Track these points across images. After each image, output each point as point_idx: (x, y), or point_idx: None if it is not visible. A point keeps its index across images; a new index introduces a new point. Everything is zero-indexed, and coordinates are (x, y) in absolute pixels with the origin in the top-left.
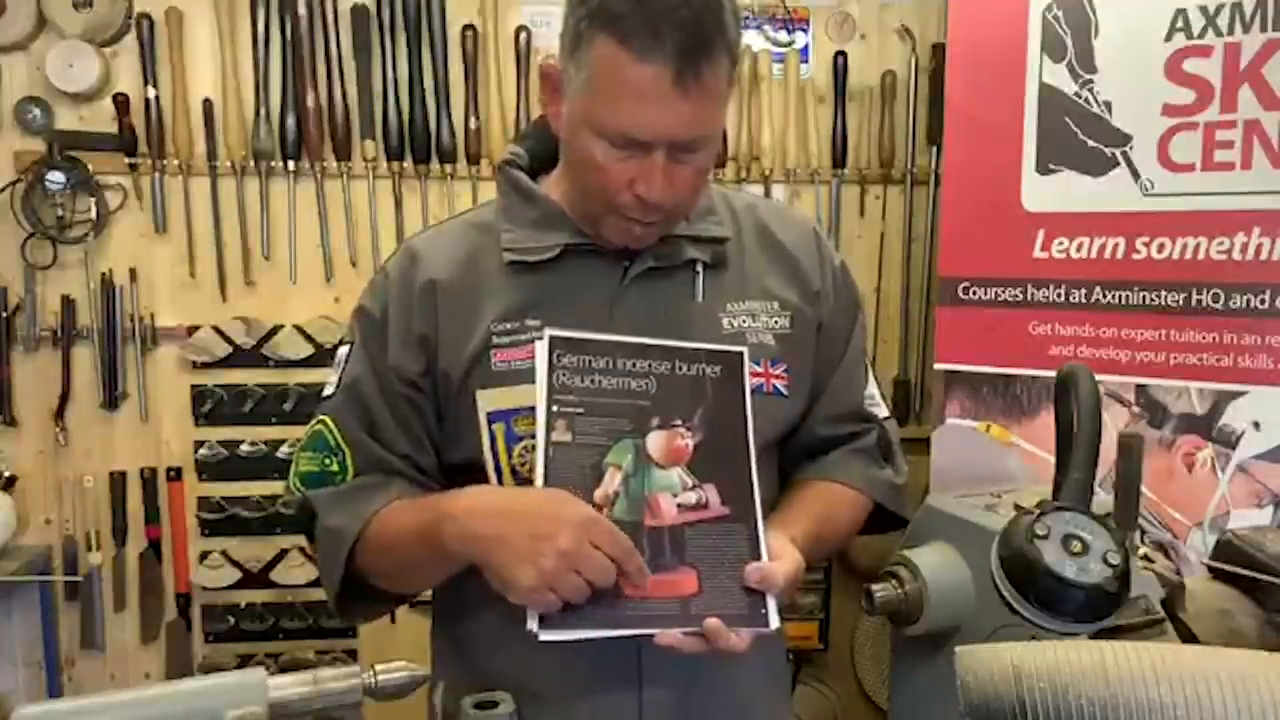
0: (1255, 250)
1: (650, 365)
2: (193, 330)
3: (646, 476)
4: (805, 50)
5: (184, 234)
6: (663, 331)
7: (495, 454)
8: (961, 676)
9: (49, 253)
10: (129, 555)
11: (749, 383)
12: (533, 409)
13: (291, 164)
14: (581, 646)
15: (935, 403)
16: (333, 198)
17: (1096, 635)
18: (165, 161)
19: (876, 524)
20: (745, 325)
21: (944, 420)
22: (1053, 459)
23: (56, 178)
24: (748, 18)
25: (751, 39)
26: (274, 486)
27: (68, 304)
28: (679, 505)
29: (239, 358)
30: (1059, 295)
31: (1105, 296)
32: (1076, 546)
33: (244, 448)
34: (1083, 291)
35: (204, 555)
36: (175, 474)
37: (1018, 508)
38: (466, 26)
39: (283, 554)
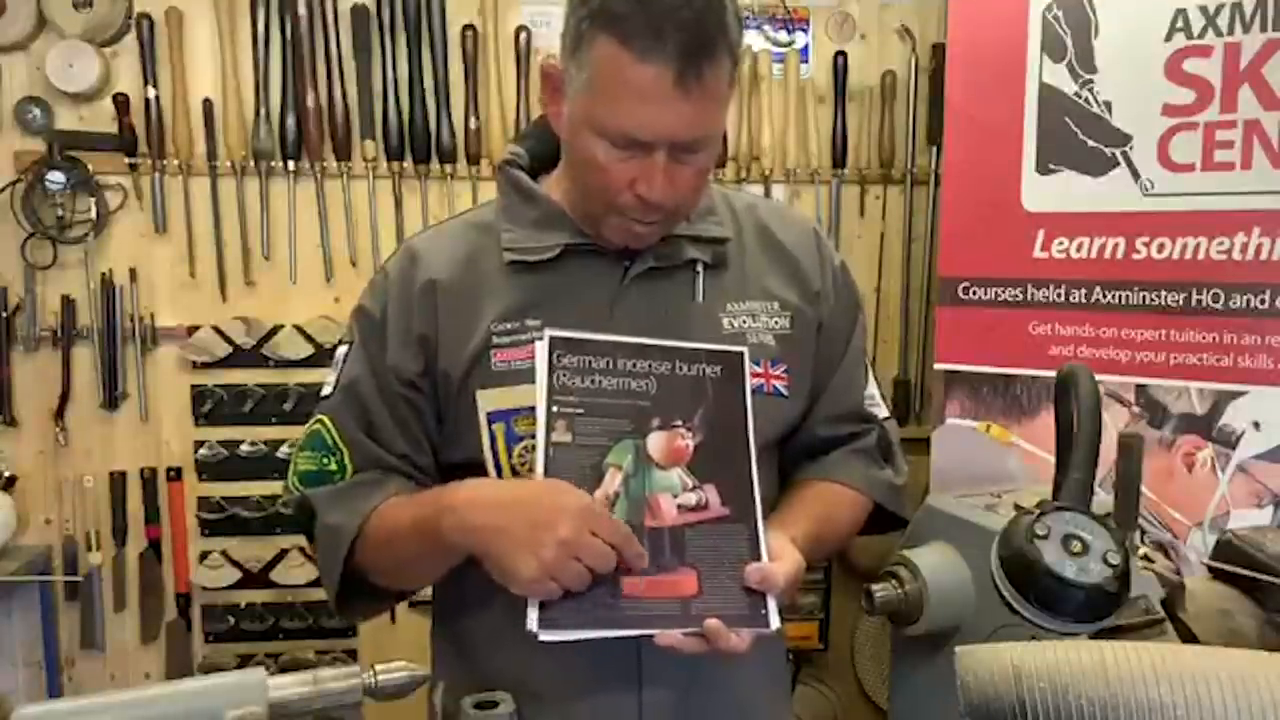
0: (1255, 250)
1: (650, 365)
2: (193, 330)
3: (647, 477)
4: (805, 50)
5: (184, 234)
6: (663, 332)
7: (495, 454)
8: (961, 676)
9: (49, 253)
10: (129, 555)
11: (749, 383)
12: (533, 409)
13: (291, 164)
14: (581, 647)
15: (935, 403)
16: (333, 198)
17: (1096, 635)
18: (165, 161)
19: (876, 524)
20: (745, 325)
21: (944, 420)
22: (1053, 459)
23: (56, 178)
24: (748, 18)
25: (751, 39)
26: (274, 486)
27: (68, 304)
28: (679, 506)
29: (239, 358)
30: (1059, 295)
31: (1105, 296)
32: (1076, 546)
33: (244, 448)
34: (1083, 291)
35: (204, 555)
36: (175, 474)
37: (1018, 508)
38: (466, 26)
39: (283, 554)
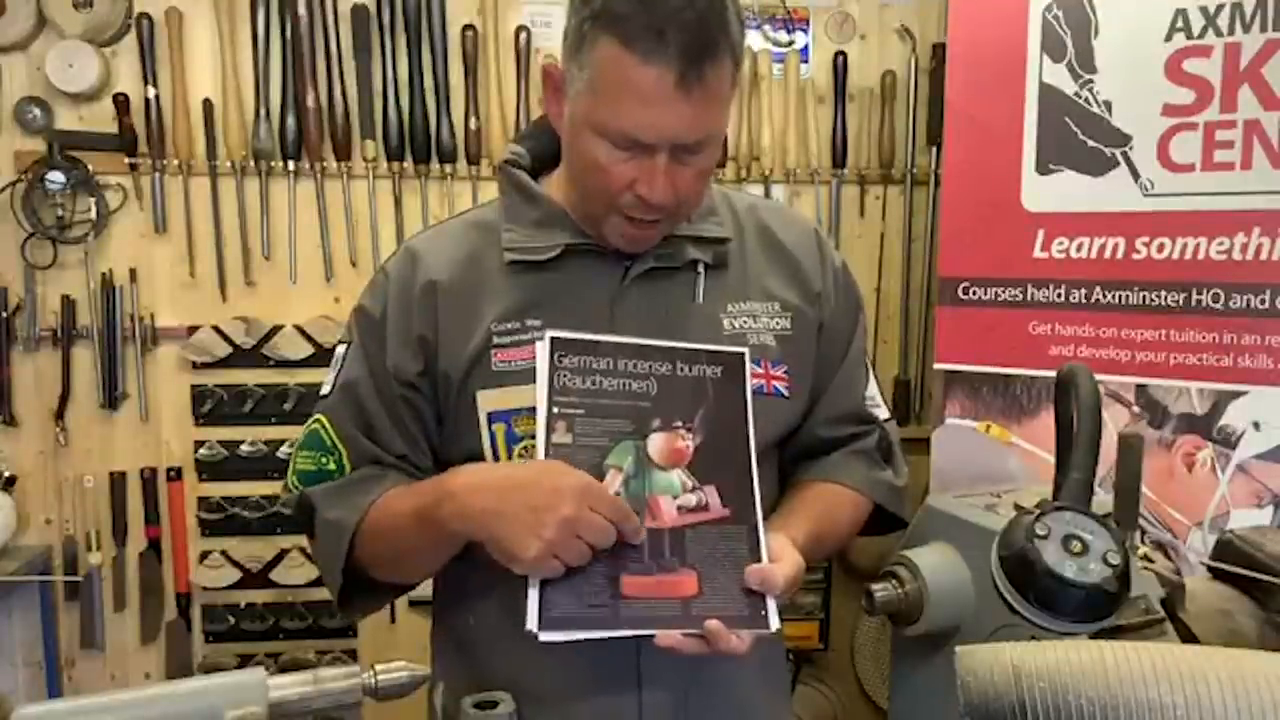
0: (1255, 250)
1: (651, 366)
2: (193, 330)
3: (647, 478)
4: (805, 50)
5: (184, 234)
6: (663, 332)
7: (495, 454)
8: (961, 676)
9: (49, 253)
10: (129, 555)
11: (750, 384)
12: (533, 409)
13: (291, 164)
14: (581, 647)
15: (935, 403)
16: (333, 198)
17: (1096, 635)
18: (165, 161)
19: (876, 525)
20: (746, 326)
21: (944, 420)
22: (1053, 459)
23: (56, 178)
24: (748, 18)
25: (752, 39)
26: (274, 486)
27: (68, 304)
28: (679, 507)
29: (239, 358)
30: (1059, 295)
31: (1105, 296)
32: (1076, 546)
33: (244, 448)
34: (1083, 291)
35: (204, 555)
36: (175, 474)
37: (1018, 508)
38: (466, 26)
39: (283, 554)
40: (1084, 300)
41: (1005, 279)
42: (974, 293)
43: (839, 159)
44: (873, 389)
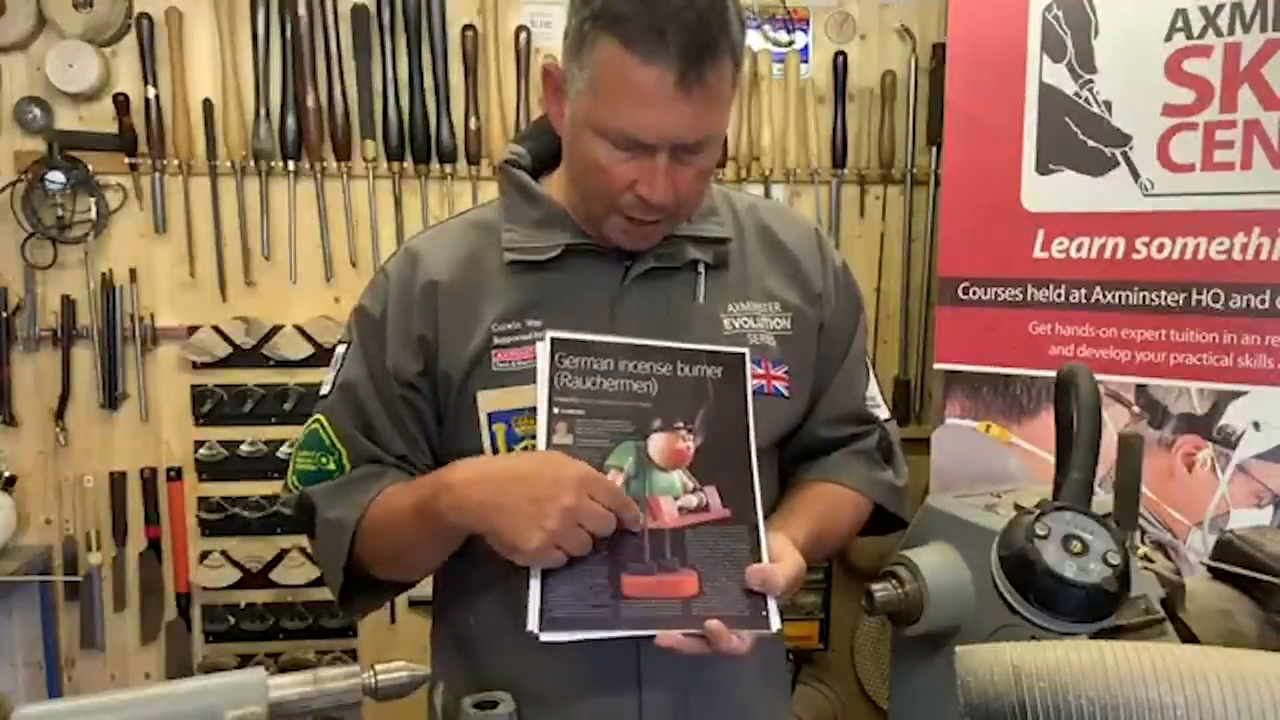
0: (1255, 250)
1: (652, 367)
2: (193, 330)
3: (647, 479)
4: (805, 50)
5: (184, 234)
6: (664, 332)
7: (496, 454)
8: (961, 676)
9: (49, 253)
10: (129, 555)
11: (750, 384)
12: (533, 409)
13: (291, 164)
14: (582, 647)
15: (935, 403)
16: (333, 198)
17: (1096, 635)
18: (165, 161)
19: (877, 525)
20: (746, 326)
21: (944, 420)
22: (1053, 459)
23: (56, 178)
24: (749, 18)
25: (752, 39)
26: (274, 486)
27: (68, 304)
28: (680, 508)
29: (239, 358)
30: (1059, 295)
31: (1105, 296)
32: (1076, 546)
33: (244, 448)
34: (1083, 291)
35: (204, 555)
36: (175, 474)
37: (1018, 508)
38: (466, 26)
39: (283, 554)
40: (1084, 300)
41: (1005, 279)
42: (974, 293)
43: (839, 159)
44: (873, 389)
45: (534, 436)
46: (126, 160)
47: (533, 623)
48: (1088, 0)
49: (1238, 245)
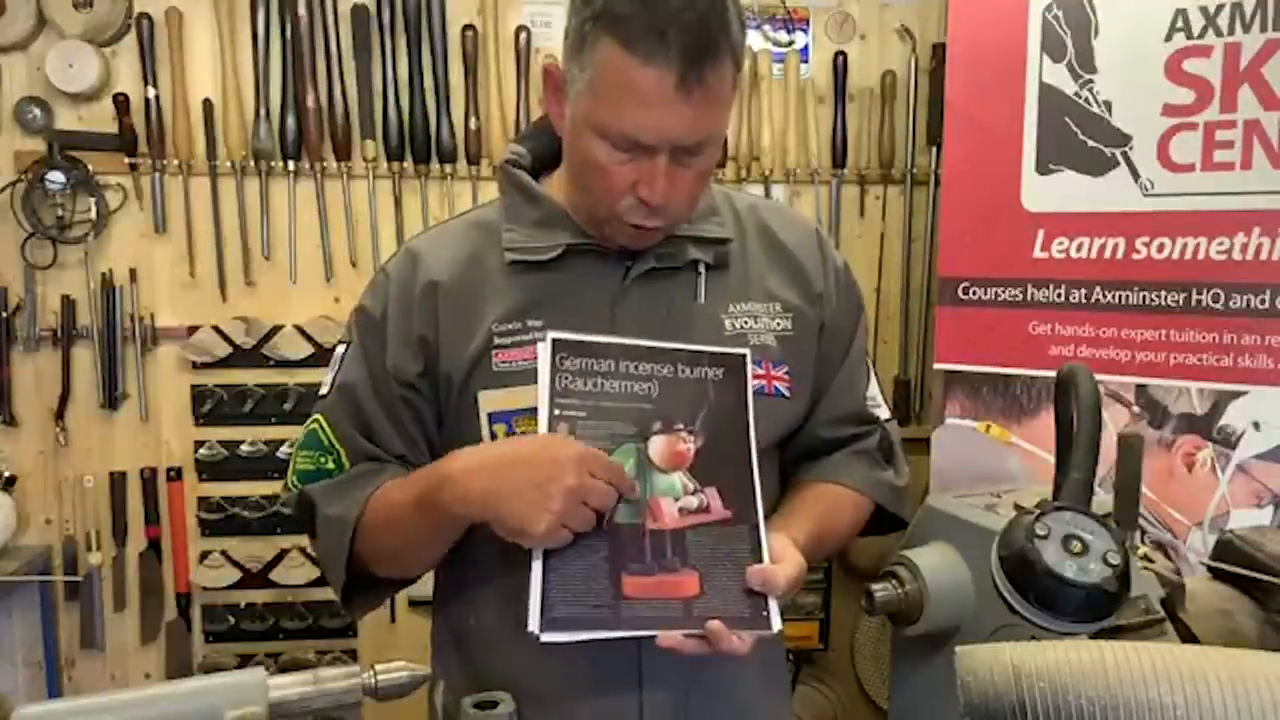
0: (1255, 250)
1: (653, 368)
2: (193, 330)
3: (648, 480)
4: (805, 50)
5: (184, 234)
6: (664, 332)
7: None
8: (961, 676)
9: (49, 253)
10: (129, 555)
11: (751, 385)
12: (534, 410)
13: (291, 164)
14: (582, 647)
15: (935, 403)
16: (333, 198)
17: (1096, 635)
18: (165, 161)
19: (877, 525)
20: (747, 326)
21: (944, 420)
22: (1053, 459)
23: (56, 178)
24: (748, 18)
25: (752, 39)
26: (274, 486)
27: (68, 304)
28: (680, 509)
29: (239, 358)
30: (1059, 295)
31: (1105, 296)
32: (1076, 546)
33: (244, 448)
34: (1083, 291)
35: (204, 555)
36: (175, 474)
37: (1018, 508)
38: (466, 26)
39: (283, 554)
40: (1084, 300)
41: (1005, 279)
42: (974, 293)
43: (839, 159)
44: (874, 389)
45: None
46: (126, 160)
47: (533, 623)
48: (1088, 0)
49: (1238, 245)
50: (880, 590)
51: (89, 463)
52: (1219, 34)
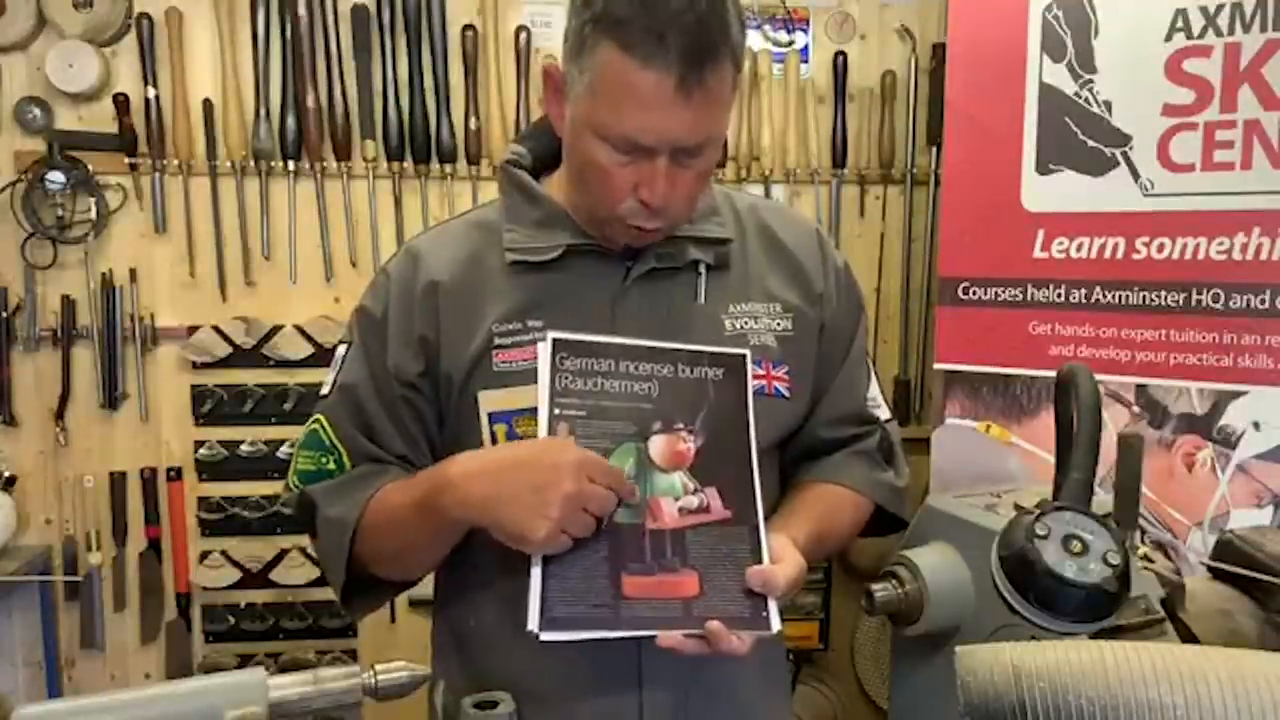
0: (1255, 250)
1: (653, 368)
2: (193, 330)
3: (648, 480)
4: (805, 50)
5: (184, 234)
6: (665, 333)
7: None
8: (961, 676)
9: (49, 253)
10: (129, 555)
11: (751, 386)
12: (534, 410)
13: (291, 164)
14: (582, 647)
15: (935, 403)
16: (333, 198)
17: (1096, 635)
18: (165, 161)
19: (877, 526)
20: (747, 327)
21: (944, 420)
22: (1053, 459)
23: (56, 178)
24: (748, 18)
25: (752, 39)
26: (274, 486)
27: (68, 304)
28: (680, 509)
29: (239, 358)
30: (1059, 295)
31: (1105, 296)
32: (1076, 546)
33: (244, 448)
34: (1083, 291)
35: (204, 555)
36: (175, 474)
37: (1018, 508)
38: (466, 26)
39: (283, 554)
40: (1084, 300)
41: (1005, 279)
42: (974, 293)
43: (839, 159)
44: (874, 389)
45: (535, 437)
46: (126, 160)
47: (533, 622)
48: (1088, 0)
49: (1238, 245)
50: (880, 590)
51: (89, 463)
52: (1219, 34)
